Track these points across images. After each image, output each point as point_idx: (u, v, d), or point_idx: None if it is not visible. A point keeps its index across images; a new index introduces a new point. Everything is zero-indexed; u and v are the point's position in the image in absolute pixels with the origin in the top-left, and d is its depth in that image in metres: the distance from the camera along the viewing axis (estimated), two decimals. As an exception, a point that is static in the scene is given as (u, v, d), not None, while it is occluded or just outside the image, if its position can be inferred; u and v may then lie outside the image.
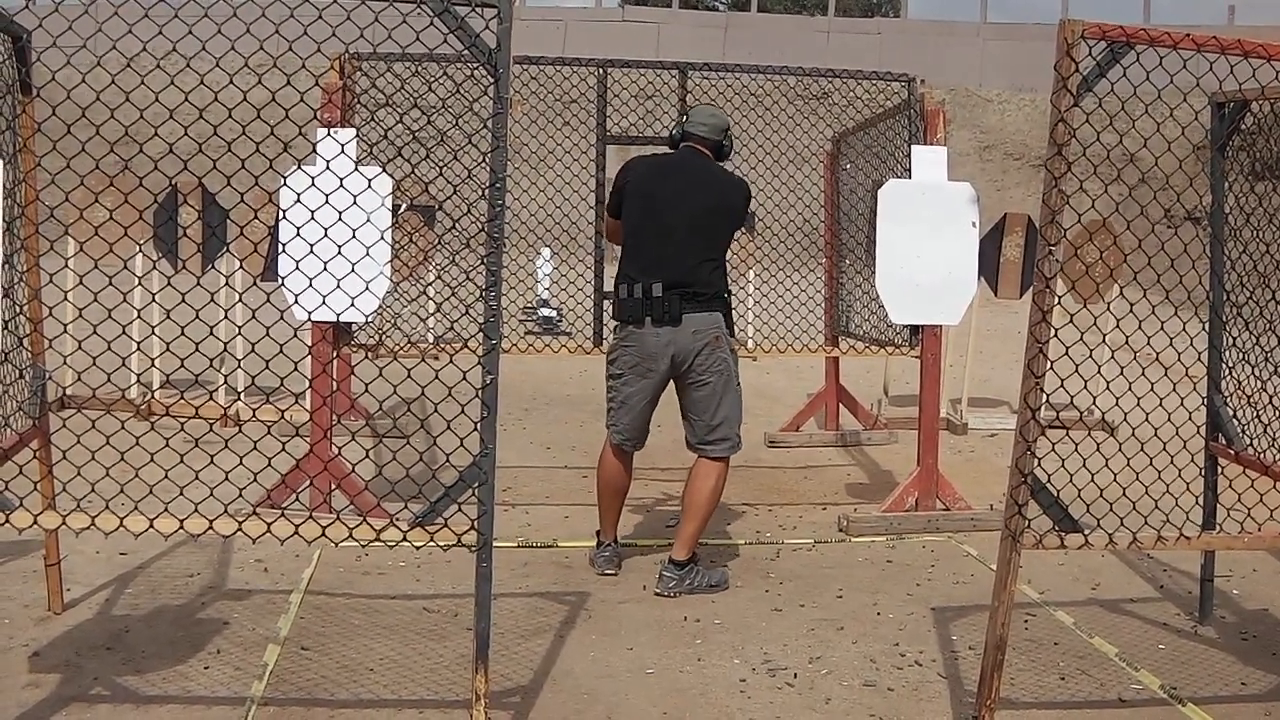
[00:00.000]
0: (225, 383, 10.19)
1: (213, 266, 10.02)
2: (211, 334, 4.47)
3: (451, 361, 4.55)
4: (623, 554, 6.70)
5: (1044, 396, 4.23)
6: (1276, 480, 5.09)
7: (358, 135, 6.85)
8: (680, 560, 6.21)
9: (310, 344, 6.65)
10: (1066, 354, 4.38)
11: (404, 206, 8.44)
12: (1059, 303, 4.26)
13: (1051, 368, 4.21)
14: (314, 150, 5.97)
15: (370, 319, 7.07)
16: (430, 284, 9.91)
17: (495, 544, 4.22)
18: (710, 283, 6.24)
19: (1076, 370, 4.53)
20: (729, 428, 6.31)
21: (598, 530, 6.66)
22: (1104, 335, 9.27)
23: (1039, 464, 4.25)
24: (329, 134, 6.45)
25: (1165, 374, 4.94)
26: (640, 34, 27.62)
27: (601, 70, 8.47)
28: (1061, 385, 4.47)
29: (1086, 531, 4.44)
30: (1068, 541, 4.38)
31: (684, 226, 6.22)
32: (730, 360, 6.30)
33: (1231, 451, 5.43)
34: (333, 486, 6.93)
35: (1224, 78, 4.98)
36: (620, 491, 6.62)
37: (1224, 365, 5.49)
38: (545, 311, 15.12)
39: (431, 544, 4.24)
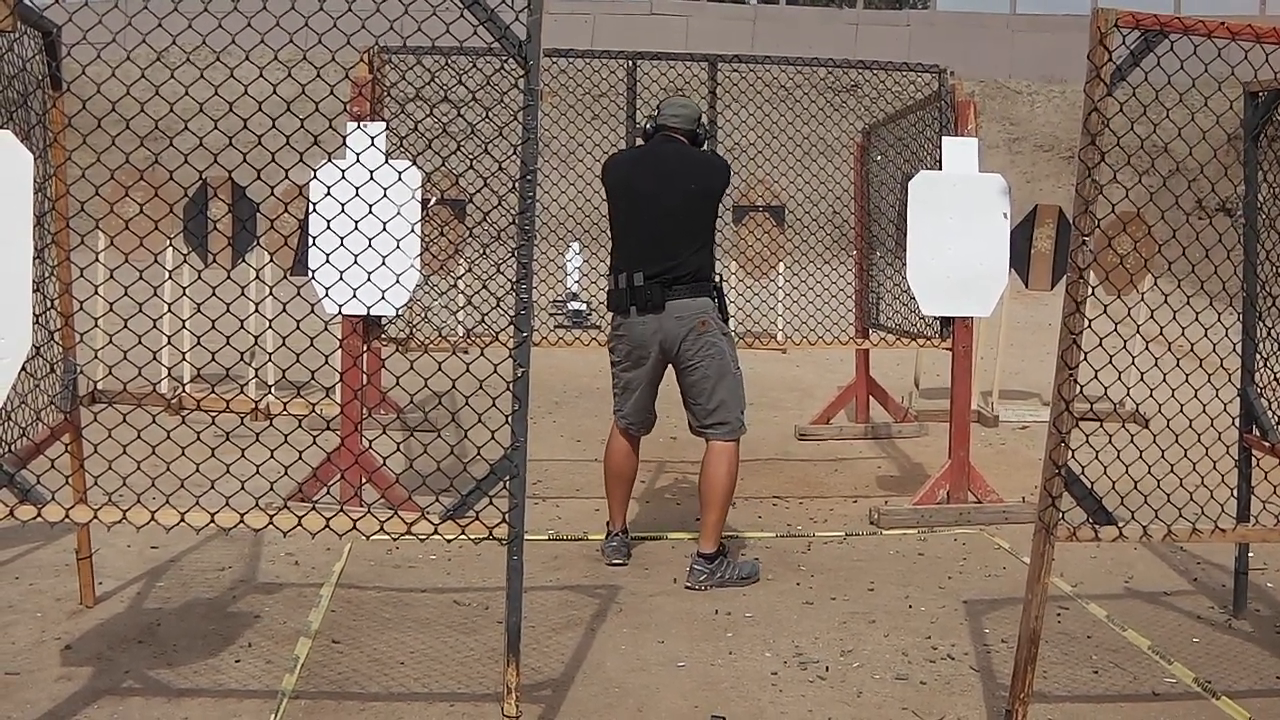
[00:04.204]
0: (256, 376, 10.21)
1: (243, 260, 10.03)
2: (242, 328, 4.47)
3: (483, 354, 4.53)
4: (631, 544, 6.71)
5: (1078, 388, 4.21)
6: (1312, 472, 5.05)
7: (388, 128, 6.85)
8: (708, 553, 6.20)
9: (341, 337, 6.65)
10: (1100, 345, 4.35)
11: (434, 200, 8.44)
12: (1092, 294, 4.23)
13: (1085, 359, 4.19)
14: (344, 144, 5.97)
15: (401, 312, 7.07)
16: (461, 277, 9.91)
17: (526, 537, 4.22)
18: (692, 265, 6.25)
19: (1110, 362, 4.50)
20: (727, 411, 6.30)
21: (608, 521, 6.68)
22: (1137, 326, 9.22)
23: (1073, 456, 4.22)
24: (359, 127, 6.46)
25: (1199, 365, 4.91)
26: (668, 26, 27.55)
27: (631, 63, 8.46)
28: (1095, 377, 4.44)
29: (1120, 524, 4.42)
30: (1101, 534, 4.36)
31: (662, 214, 6.25)
32: (722, 344, 6.29)
33: (1266, 444, 5.39)
34: (364, 480, 6.93)
35: (1259, 67, 4.95)
36: (626, 477, 6.65)
37: (1258, 356, 5.46)
38: (575, 305, 15.11)
39: (463, 537, 4.24)
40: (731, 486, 6.33)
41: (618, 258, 6.40)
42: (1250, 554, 5.83)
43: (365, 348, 7.04)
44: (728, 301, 6.55)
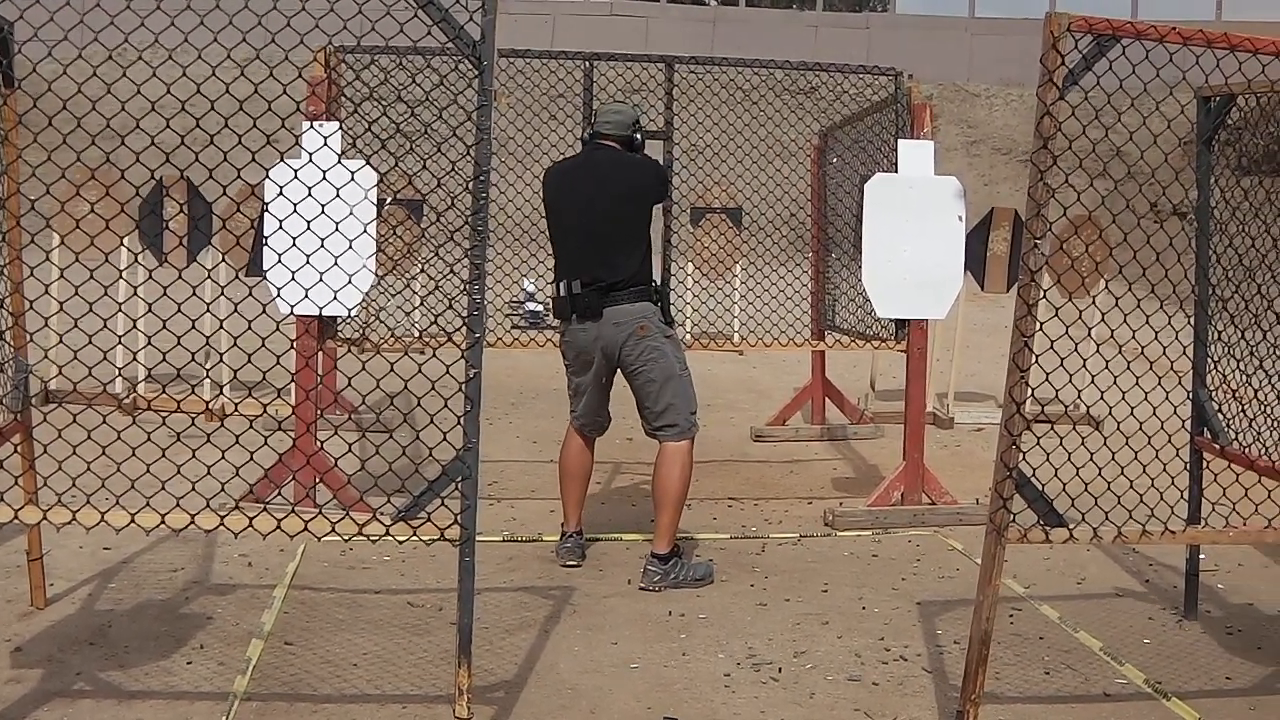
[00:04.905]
0: (209, 377, 10.15)
1: (196, 260, 9.97)
2: (194, 328, 4.45)
3: (435, 355, 4.53)
4: (585, 545, 6.71)
5: (1029, 390, 4.22)
6: (1261, 475, 5.10)
7: (342, 128, 6.83)
8: (662, 553, 6.22)
9: (294, 338, 6.62)
10: (1052, 348, 4.37)
11: (389, 200, 8.41)
12: (1044, 296, 4.25)
13: (1037, 361, 4.21)
14: (298, 143, 5.95)
15: (354, 313, 7.05)
16: (414, 278, 9.89)
17: (480, 538, 4.22)
18: (627, 271, 6.28)
19: (1062, 364, 4.52)
20: (675, 413, 6.31)
21: (563, 522, 6.69)
22: (1089, 329, 9.28)
23: (1024, 458, 4.24)
24: (313, 127, 6.43)
25: (1150, 368, 4.94)
26: (628, 28, 27.58)
27: (588, 64, 8.45)
28: (1047, 379, 4.46)
29: (1071, 526, 4.44)
30: (1052, 536, 4.38)
31: (591, 222, 6.30)
32: (665, 346, 6.32)
33: (1216, 446, 5.43)
34: (316, 481, 6.90)
35: (1210, 72, 4.98)
36: (580, 476, 6.67)
37: (1209, 359, 5.50)
38: (532, 305, 15.09)
39: (415, 539, 4.23)
40: (684, 487, 6.34)
41: (557, 267, 6.47)
42: (1201, 556, 5.88)
43: (318, 348, 7.02)
44: (675, 302, 6.57)
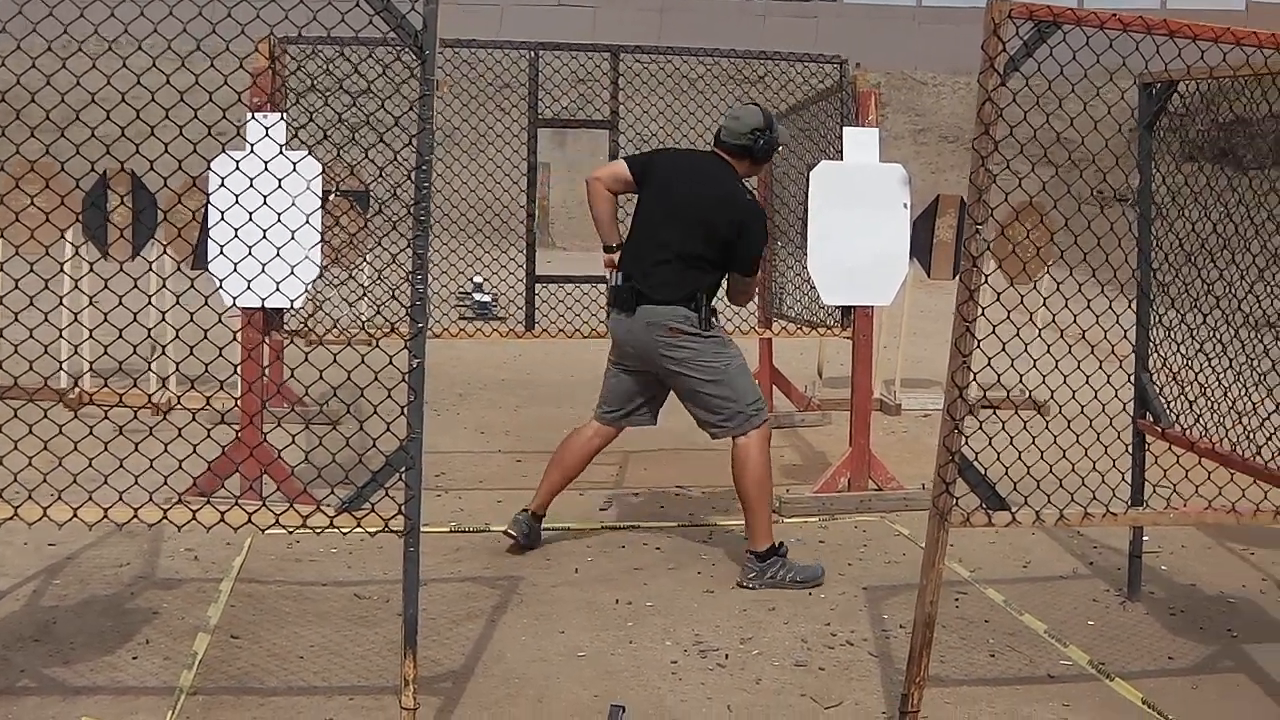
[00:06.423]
0: (152, 370, 10.08)
1: (139, 254, 9.89)
2: (137, 321, 4.42)
3: (378, 346, 4.52)
4: (535, 529, 6.63)
5: (971, 375, 4.25)
6: (1201, 456, 5.15)
7: (284, 119, 6.79)
8: (759, 551, 6.14)
9: (237, 330, 6.58)
10: (994, 333, 4.39)
11: (334, 191, 8.38)
12: (986, 282, 4.27)
13: (979, 346, 4.23)
14: (239, 135, 5.91)
15: (297, 304, 7.00)
16: (359, 268, 9.84)
17: (427, 529, 4.21)
18: (669, 283, 6.12)
19: (1004, 349, 4.54)
20: (728, 410, 6.19)
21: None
22: (1031, 314, 9.32)
23: (966, 442, 4.26)
24: (255, 118, 6.40)
25: (1092, 352, 4.98)
26: (576, 17, 27.59)
27: (533, 53, 8.43)
28: (989, 364, 4.49)
29: (1014, 509, 4.47)
30: (995, 519, 4.41)
31: (661, 227, 6.17)
32: (700, 347, 6.13)
33: (1158, 429, 5.48)
34: (261, 473, 6.87)
35: (1150, 58, 5.02)
36: (567, 469, 6.59)
37: (1150, 343, 5.54)
38: (479, 296, 15.07)
39: (359, 530, 4.22)
40: (761, 483, 6.19)
41: (622, 252, 6.37)
42: (1145, 537, 5.94)
43: (263, 340, 6.99)
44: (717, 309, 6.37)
